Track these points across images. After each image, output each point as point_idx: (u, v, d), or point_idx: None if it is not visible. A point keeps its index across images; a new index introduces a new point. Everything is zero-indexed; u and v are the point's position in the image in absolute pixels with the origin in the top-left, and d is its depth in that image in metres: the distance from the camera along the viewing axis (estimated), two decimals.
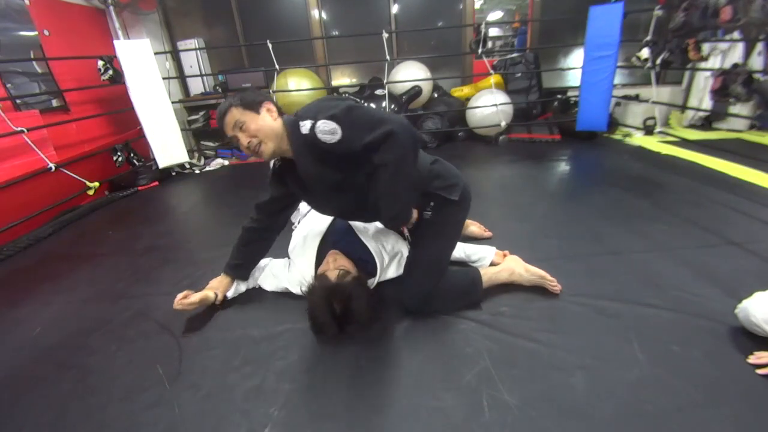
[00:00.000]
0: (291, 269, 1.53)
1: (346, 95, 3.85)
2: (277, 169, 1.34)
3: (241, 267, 1.51)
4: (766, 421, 0.92)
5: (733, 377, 1.03)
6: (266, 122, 1.17)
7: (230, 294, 1.52)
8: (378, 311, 1.34)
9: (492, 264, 1.56)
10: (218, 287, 1.48)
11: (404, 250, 1.50)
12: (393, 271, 1.49)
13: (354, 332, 1.23)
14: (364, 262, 1.43)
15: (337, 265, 1.33)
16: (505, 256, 1.59)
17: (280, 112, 1.22)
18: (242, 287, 1.56)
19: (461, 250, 1.63)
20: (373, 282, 1.45)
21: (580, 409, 0.98)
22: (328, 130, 1.06)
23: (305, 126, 1.09)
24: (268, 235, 1.51)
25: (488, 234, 1.88)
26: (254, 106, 1.17)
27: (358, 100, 1.16)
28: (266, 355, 1.23)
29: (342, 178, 1.18)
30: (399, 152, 1.06)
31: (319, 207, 1.40)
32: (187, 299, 1.39)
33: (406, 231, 1.46)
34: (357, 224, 1.52)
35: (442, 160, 1.34)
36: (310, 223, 1.64)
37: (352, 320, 1.20)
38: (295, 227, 1.79)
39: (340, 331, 1.21)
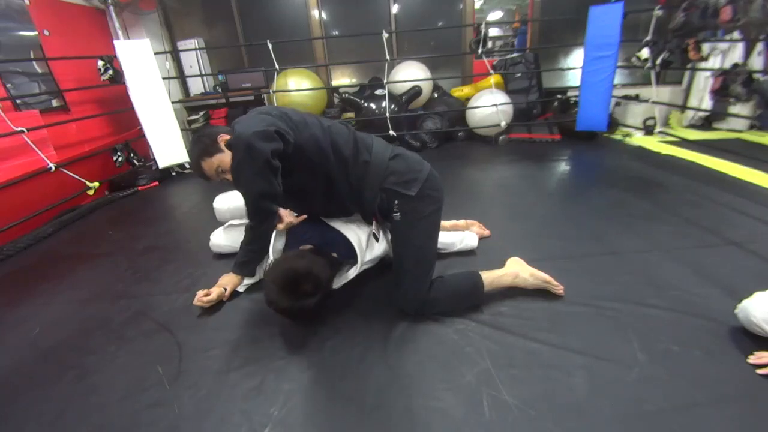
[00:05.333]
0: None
1: (346, 95, 3.87)
2: None
3: (247, 264, 1.56)
4: (767, 421, 0.92)
5: (733, 377, 1.03)
6: None
7: (241, 288, 1.59)
8: (335, 269, 1.34)
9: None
10: (228, 283, 1.54)
11: (374, 229, 1.49)
12: (377, 250, 1.48)
13: (322, 296, 1.23)
14: (341, 247, 1.39)
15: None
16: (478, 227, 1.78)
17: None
18: (252, 279, 1.62)
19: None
20: (357, 265, 1.40)
21: (580, 409, 0.98)
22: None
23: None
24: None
25: (487, 233, 1.88)
26: (215, 149, 1.25)
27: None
28: (266, 355, 1.23)
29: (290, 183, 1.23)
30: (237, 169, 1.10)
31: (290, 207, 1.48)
32: (207, 297, 1.46)
33: (373, 227, 1.48)
34: (331, 220, 1.49)
35: (404, 154, 1.32)
36: None
37: (308, 288, 1.19)
38: None
39: (309, 305, 1.20)
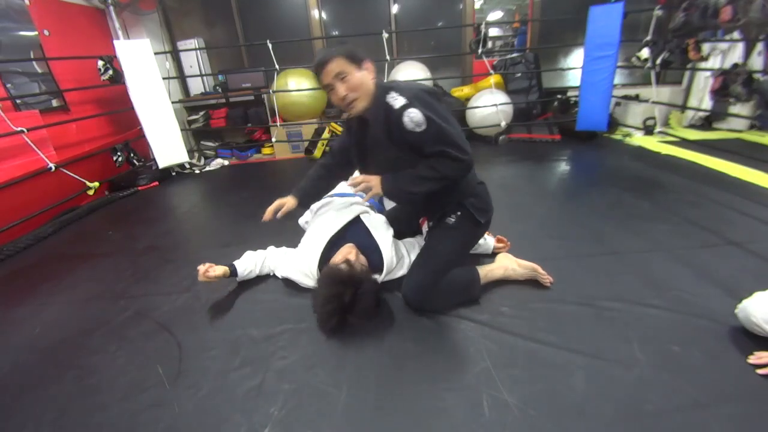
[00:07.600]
0: (297, 257, 1.55)
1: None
2: (346, 121, 1.42)
3: (307, 194, 1.55)
4: (766, 421, 0.92)
5: (733, 377, 1.03)
6: (366, 80, 1.20)
7: (239, 279, 1.59)
8: (380, 308, 1.38)
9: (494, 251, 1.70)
10: (285, 202, 1.49)
11: (412, 255, 1.53)
12: (398, 273, 1.52)
13: (354, 322, 1.26)
14: (375, 256, 1.47)
15: (357, 258, 1.39)
16: (499, 240, 1.73)
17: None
18: (254, 273, 1.62)
19: None
20: (379, 278, 1.47)
21: (580, 409, 0.98)
22: (416, 120, 1.11)
23: (397, 101, 1.13)
24: (335, 174, 1.57)
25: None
26: (358, 61, 1.18)
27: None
28: (266, 355, 1.24)
29: (399, 156, 1.23)
30: (446, 173, 1.18)
31: (365, 166, 1.41)
32: (210, 272, 1.45)
33: (425, 227, 1.56)
34: (375, 227, 1.53)
35: (484, 185, 1.44)
36: (327, 220, 1.62)
37: (356, 311, 1.23)
38: (307, 224, 1.80)
39: (342, 320, 1.24)
